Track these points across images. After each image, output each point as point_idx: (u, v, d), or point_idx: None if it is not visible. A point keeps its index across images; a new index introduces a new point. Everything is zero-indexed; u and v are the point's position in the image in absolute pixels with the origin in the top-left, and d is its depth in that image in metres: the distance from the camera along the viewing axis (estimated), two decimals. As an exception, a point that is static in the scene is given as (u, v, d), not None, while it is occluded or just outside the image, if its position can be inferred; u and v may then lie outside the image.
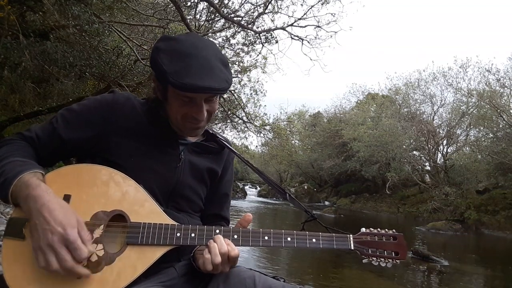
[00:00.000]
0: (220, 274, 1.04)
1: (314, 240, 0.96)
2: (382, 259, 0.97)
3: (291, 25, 8.61)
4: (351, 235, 0.98)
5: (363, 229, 1.00)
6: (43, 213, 0.82)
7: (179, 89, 0.93)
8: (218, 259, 0.89)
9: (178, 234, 0.93)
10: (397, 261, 0.97)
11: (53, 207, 0.83)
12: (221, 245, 0.91)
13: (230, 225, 1.22)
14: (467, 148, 18.53)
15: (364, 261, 0.98)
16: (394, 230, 1.01)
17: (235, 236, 0.95)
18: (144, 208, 0.94)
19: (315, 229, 1.01)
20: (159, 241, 0.91)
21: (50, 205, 0.83)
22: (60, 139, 0.99)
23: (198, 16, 8.01)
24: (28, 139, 0.99)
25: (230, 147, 1.21)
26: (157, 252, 0.91)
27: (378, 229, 1.01)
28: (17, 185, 0.86)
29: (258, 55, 10.01)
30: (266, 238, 0.95)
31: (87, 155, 1.03)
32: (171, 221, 0.95)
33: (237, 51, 9.61)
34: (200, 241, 0.94)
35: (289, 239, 0.96)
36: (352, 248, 0.97)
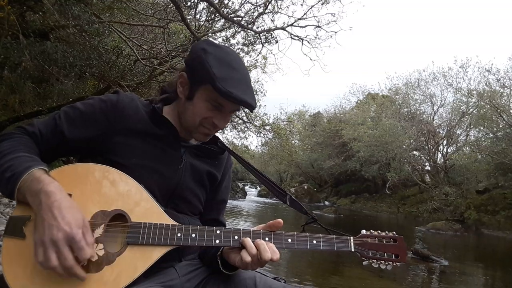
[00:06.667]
0: (220, 274, 1.04)
1: (314, 242, 0.96)
2: (382, 262, 0.97)
3: (291, 25, 8.60)
4: (351, 237, 0.98)
5: (363, 231, 1.00)
6: (52, 209, 0.82)
7: (224, 95, 0.96)
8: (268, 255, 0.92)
9: (179, 235, 0.92)
10: (397, 263, 0.97)
11: (64, 205, 0.83)
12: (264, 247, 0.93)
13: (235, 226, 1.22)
14: (467, 148, 18.53)
15: (364, 263, 0.98)
16: (394, 232, 1.01)
17: (236, 237, 0.95)
18: (145, 208, 0.94)
19: (315, 231, 1.01)
20: (159, 241, 0.91)
21: (61, 203, 0.83)
22: (62, 137, 0.99)
23: (198, 16, 8.01)
24: (31, 134, 0.98)
25: (230, 149, 1.22)
26: (158, 252, 0.91)
27: (379, 231, 1.01)
28: (26, 180, 0.85)
29: (258, 55, 10.02)
30: (266, 239, 0.95)
31: (88, 154, 1.03)
32: (172, 222, 0.95)
33: (237, 51, 9.60)
34: (201, 242, 0.93)
35: (289, 240, 0.96)
36: (353, 250, 0.97)
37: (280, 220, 0.96)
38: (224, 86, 0.95)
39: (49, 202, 0.82)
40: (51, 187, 0.84)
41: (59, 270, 0.80)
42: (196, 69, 1.01)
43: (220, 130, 1.12)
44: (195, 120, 1.04)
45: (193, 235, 0.93)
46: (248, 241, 0.93)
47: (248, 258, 0.91)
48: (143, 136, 1.03)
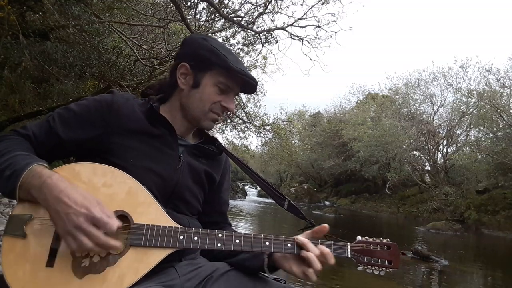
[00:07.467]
0: (221, 275, 1.03)
1: None
2: (376, 267, 1.00)
3: (291, 25, 8.60)
4: (348, 244, 1.01)
5: (359, 238, 1.03)
6: (62, 199, 0.83)
7: (238, 73, 1.04)
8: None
9: (181, 237, 0.92)
10: (390, 269, 1.01)
11: (71, 191, 0.84)
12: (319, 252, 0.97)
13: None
14: (467, 148, 18.55)
15: (359, 268, 1.01)
16: (388, 239, 1.05)
17: (237, 241, 0.95)
18: (147, 209, 0.94)
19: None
20: (162, 243, 0.91)
21: (68, 191, 0.84)
22: (58, 138, 0.99)
23: (198, 16, 8.00)
24: (24, 136, 0.98)
25: (228, 151, 1.22)
26: (160, 254, 0.91)
27: (374, 237, 1.04)
28: (27, 176, 0.85)
29: (258, 55, 10.03)
30: (267, 243, 0.96)
31: (85, 155, 1.02)
32: (174, 224, 0.95)
33: (237, 51, 9.59)
34: (203, 245, 0.93)
35: (289, 245, 0.97)
36: (349, 256, 0.99)
37: (326, 225, 1.00)
38: (236, 65, 1.03)
39: (55, 193, 0.83)
40: (52, 179, 0.85)
41: (96, 249, 0.84)
42: (203, 56, 1.05)
43: (230, 113, 1.16)
44: (205, 106, 1.07)
45: (195, 238, 0.93)
46: (312, 248, 0.96)
47: (318, 265, 0.96)
48: (140, 136, 1.03)
